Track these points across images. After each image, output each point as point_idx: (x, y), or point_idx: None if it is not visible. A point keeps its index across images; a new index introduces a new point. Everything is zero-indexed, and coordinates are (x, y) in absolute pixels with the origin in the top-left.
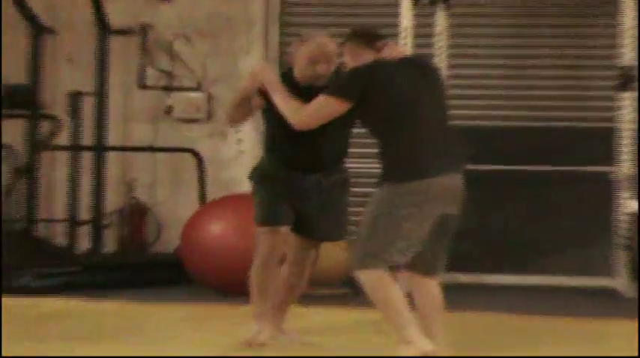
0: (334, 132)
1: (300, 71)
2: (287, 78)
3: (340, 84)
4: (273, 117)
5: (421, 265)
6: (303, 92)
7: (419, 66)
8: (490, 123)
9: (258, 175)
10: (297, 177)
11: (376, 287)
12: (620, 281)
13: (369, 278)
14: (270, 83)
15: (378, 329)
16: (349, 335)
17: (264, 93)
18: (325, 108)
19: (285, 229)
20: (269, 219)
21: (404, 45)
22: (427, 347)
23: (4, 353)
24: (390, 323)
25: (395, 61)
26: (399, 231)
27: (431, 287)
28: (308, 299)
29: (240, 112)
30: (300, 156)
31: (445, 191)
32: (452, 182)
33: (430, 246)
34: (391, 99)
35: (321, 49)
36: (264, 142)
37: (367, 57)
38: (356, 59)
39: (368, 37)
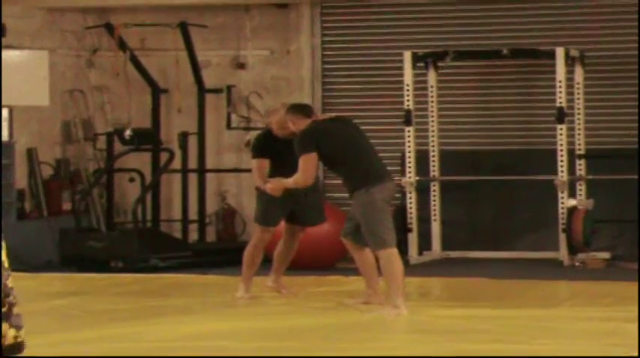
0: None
1: (275, 131)
2: (269, 134)
3: (300, 144)
4: (273, 169)
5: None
6: (281, 141)
7: (341, 120)
8: (471, 147)
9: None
10: (293, 189)
11: (391, 261)
12: (563, 254)
13: (386, 254)
14: (280, 185)
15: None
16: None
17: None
18: (307, 163)
19: (273, 228)
20: (265, 221)
21: (406, 95)
22: (404, 311)
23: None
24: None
25: (326, 120)
26: (389, 217)
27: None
28: (347, 271)
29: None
30: (287, 176)
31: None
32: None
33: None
34: (335, 144)
35: (283, 118)
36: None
37: (305, 122)
38: (296, 124)
39: (301, 109)
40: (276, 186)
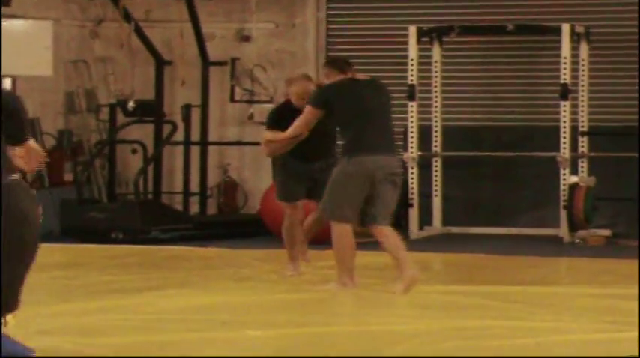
0: (320, 135)
1: (294, 101)
2: (287, 105)
3: (313, 97)
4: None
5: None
6: (298, 112)
7: (368, 83)
8: (474, 123)
9: (279, 166)
10: (307, 165)
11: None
12: (563, 231)
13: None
14: (275, 138)
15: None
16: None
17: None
18: (306, 115)
19: (300, 203)
20: (285, 197)
21: (411, 70)
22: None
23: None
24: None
25: (351, 80)
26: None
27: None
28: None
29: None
30: (305, 152)
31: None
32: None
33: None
34: (343, 106)
35: (303, 88)
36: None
37: (337, 78)
38: (329, 78)
39: (336, 63)
40: (270, 137)
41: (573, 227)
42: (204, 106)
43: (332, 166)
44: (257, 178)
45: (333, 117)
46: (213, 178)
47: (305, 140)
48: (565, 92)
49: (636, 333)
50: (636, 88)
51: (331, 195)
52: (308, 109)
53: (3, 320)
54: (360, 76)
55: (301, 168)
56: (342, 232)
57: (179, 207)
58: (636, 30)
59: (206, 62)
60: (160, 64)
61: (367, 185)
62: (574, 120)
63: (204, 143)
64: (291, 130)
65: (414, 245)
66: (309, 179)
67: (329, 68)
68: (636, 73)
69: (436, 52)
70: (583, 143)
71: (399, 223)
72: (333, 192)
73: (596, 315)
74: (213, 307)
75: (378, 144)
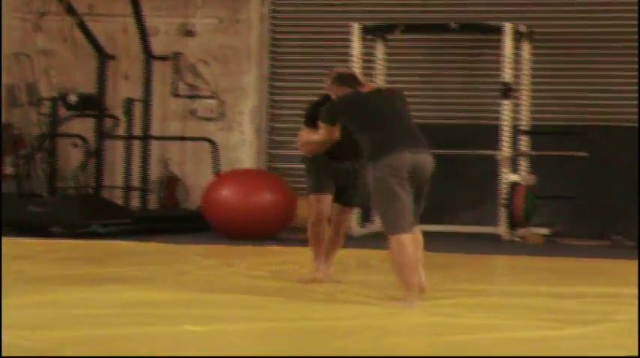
0: (348, 139)
1: (333, 95)
2: (324, 101)
3: (324, 113)
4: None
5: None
6: None
7: (379, 92)
8: (416, 120)
9: (310, 160)
10: (336, 164)
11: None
12: (502, 229)
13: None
14: (309, 139)
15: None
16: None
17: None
18: (323, 130)
19: (328, 198)
20: (319, 188)
21: (354, 67)
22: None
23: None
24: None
25: (359, 93)
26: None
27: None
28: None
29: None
30: (335, 152)
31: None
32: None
33: None
34: (355, 118)
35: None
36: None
37: (344, 91)
38: (337, 94)
39: (344, 79)
40: (306, 139)
41: (513, 225)
42: (147, 101)
43: (361, 168)
44: (198, 173)
45: (349, 130)
46: (154, 173)
47: (337, 146)
48: (507, 91)
49: (574, 331)
50: (577, 87)
51: (379, 208)
52: (322, 126)
53: None
54: (367, 87)
55: (331, 164)
56: (399, 245)
57: (120, 201)
58: (577, 30)
59: (149, 56)
60: (103, 57)
61: (406, 182)
62: (515, 119)
63: (145, 137)
64: (316, 138)
65: (355, 242)
66: (339, 178)
67: (337, 84)
68: (578, 73)
69: (380, 49)
70: (524, 142)
71: None
72: (380, 204)
73: (535, 313)
74: (152, 302)
75: (403, 142)
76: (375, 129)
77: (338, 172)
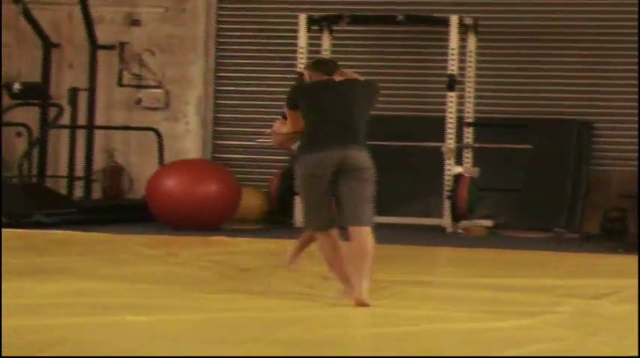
0: None
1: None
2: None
3: (287, 97)
4: None
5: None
6: None
7: (342, 84)
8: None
9: None
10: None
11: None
12: (446, 221)
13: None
14: (278, 129)
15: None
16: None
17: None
18: (290, 117)
19: None
20: None
21: (300, 58)
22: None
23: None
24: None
25: (320, 81)
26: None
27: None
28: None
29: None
30: None
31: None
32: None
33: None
34: (305, 105)
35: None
36: None
37: (317, 77)
38: (311, 79)
39: (317, 65)
40: (275, 128)
41: (456, 217)
42: (92, 90)
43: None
44: (143, 163)
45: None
46: (98, 163)
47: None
48: (452, 83)
49: (516, 322)
50: (522, 80)
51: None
52: (287, 112)
53: None
54: (341, 76)
55: None
56: (320, 243)
57: (64, 190)
58: (522, 22)
59: (94, 46)
60: (48, 46)
61: (319, 184)
62: (460, 111)
63: (90, 127)
64: (285, 130)
65: (298, 233)
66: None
67: (310, 69)
68: (523, 66)
69: (326, 40)
70: (468, 134)
71: (284, 212)
72: (300, 200)
73: (477, 305)
74: (94, 292)
75: (328, 140)
76: (311, 123)
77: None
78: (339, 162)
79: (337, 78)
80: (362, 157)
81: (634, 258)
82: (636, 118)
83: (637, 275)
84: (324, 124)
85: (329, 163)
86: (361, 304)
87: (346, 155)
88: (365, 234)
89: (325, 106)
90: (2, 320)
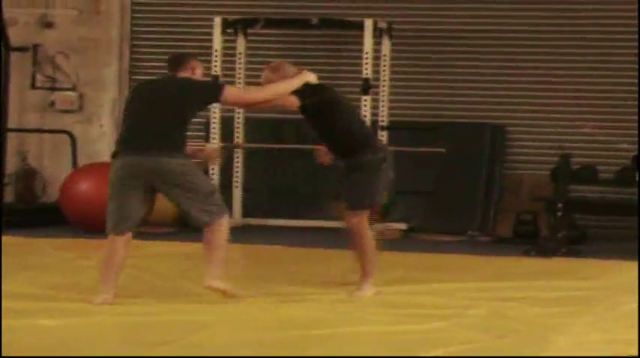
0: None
1: None
2: None
3: None
4: None
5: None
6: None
7: (162, 82)
8: (276, 115)
9: None
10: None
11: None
12: None
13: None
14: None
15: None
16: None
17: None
18: None
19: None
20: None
21: (215, 61)
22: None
23: None
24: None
25: (162, 78)
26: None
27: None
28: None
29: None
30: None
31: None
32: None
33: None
34: (127, 105)
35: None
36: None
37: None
38: None
39: (169, 60)
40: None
41: (370, 220)
42: (4, 92)
43: (361, 169)
44: (57, 166)
45: None
46: (11, 165)
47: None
48: (366, 87)
49: (429, 325)
50: (435, 84)
51: None
52: None
53: None
54: (181, 73)
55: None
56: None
57: None
58: (437, 27)
59: (7, 48)
60: None
61: (129, 185)
62: (375, 114)
63: (2, 130)
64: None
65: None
66: (340, 179)
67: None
68: (436, 69)
69: (240, 43)
70: (383, 136)
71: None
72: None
73: (388, 307)
74: (6, 295)
75: (134, 144)
76: (123, 124)
77: (338, 173)
78: (141, 167)
79: (183, 74)
80: (165, 163)
81: (545, 261)
82: (547, 122)
83: (546, 277)
84: (132, 126)
85: (134, 167)
86: (209, 288)
87: (148, 162)
88: (210, 231)
89: (136, 107)
90: None
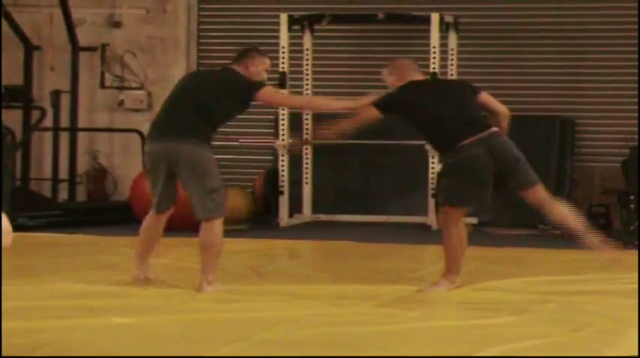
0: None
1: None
2: None
3: None
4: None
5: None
6: None
7: (209, 74)
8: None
9: None
10: None
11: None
12: (431, 219)
13: None
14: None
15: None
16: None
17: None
18: None
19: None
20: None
21: (282, 58)
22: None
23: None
24: None
25: (208, 70)
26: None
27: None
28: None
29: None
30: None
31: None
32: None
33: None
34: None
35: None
36: None
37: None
38: None
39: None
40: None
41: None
42: (74, 92)
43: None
44: (126, 165)
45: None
46: (82, 165)
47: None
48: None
49: (500, 320)
50: (504, 77)
51: None
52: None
53: None
54: (238, 66)
55: None
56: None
57: (47, 193)
58: (502, 20)
59: (76, 48)
60: (29, 49)
61: (156, 169)
62: None
63: (73, 129)
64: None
65: (284, 232)
66: None
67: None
68: (505, 62)
69: (307, 39)
70: None
71: (270, 210)
72: None
73: (458, 303)
74: (80, 294)
75: (158, 131)
76: (159, 110)
77: None
78: (164, 153)
79: (237, 68)
80: (182, 150)
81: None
82: (618, 114)
83: (619, 270)
84: (163, 115)
85: (157, 153)
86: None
87: (168, 148)
88: (202, 229)
89: (173, 96)
90: None
